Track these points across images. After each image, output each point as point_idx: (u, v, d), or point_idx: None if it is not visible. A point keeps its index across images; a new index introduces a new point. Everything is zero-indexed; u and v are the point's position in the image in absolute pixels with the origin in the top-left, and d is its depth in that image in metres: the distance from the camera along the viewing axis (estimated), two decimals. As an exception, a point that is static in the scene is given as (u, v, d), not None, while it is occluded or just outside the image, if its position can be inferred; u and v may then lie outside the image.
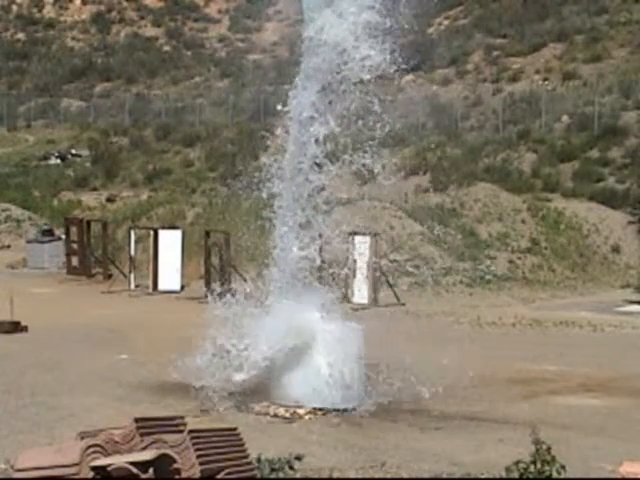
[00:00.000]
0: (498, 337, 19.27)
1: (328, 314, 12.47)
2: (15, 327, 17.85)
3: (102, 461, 6.44)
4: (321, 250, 13.22)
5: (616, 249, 31.57)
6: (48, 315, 19.86)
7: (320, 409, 11.99)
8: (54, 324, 18.71)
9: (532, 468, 7.20)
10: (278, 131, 13.54)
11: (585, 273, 30.12)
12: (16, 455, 7.23)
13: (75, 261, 29.31)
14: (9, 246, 35.57)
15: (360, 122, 12.87)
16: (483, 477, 8.77)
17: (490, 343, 18.12)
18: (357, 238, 23.74)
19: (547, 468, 7.19)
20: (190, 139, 49.76)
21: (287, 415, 11.87)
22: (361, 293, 23.93)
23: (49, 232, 33.17)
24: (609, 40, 57.01)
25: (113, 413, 10.86)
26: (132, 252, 26.25)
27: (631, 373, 15.28)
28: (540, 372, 15.27)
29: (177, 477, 6.40)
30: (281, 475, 7.45)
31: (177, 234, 26.12)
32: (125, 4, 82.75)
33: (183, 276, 25.85)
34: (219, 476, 6.53)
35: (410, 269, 26.64)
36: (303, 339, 12.16)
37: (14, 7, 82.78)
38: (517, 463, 7.28)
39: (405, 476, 9.06)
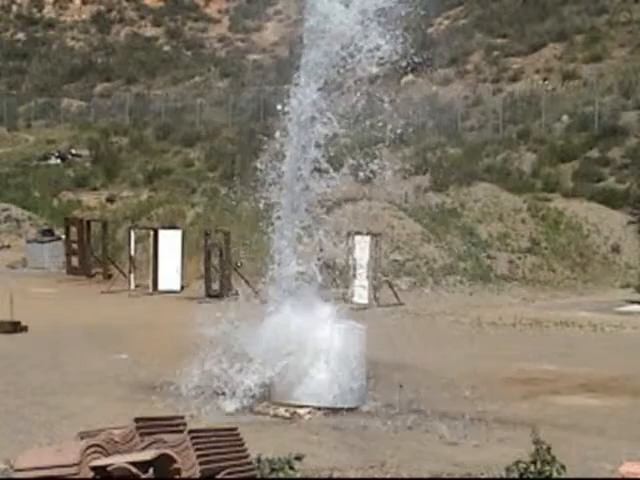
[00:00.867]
0: (498, 337, 19.25)
1: (328, 314, 12.42)
2: (15, 327, 17.82)
3: (102, 461, 6.43)
4: (319, 260, 12.56)
5: (616, 249, 31.55)
6: (48, 315, 19.83)
7: (320, 409, 11.99)
8: (54, 324, 18.68)
9: (532, 468, 7.19)
10: (277, 134, 12.57)
11: (585, 273, 30.11)
12: (16, 455, 7.22)
13: (75, 261, 29.31)
14: (9, 246, 35.56)
15: (364, 122, 12.40)
16: (483, 477, 8.76)
17: (490, 343, 18.11)
18: (357, 238, 23.75)
19: (547, 468, 7.17)
20: (190, 139, 49.77)
21: (287, 415, 11.86)
22: (361, 293, 23.92)
23: (49, 232, 33.19)
24: (609, 40, 56.95)
25: (113, 413, 10.83)
26: (132, 252, 26.23)
27: (631, 373, 15.26)
28: (540, 372, 15.25)
29: (177, 477, 6.39)
30: (281, 475, 7.43)
31: (177, 234, 26.11)
32: (125, 4, 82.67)
33: (183, 276, 25.84)
34: (219, 476, 6.52)
35: (410, 269, 26.66)
36: (302, 344, 12.01)
37: (14, 7, 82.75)
38: (517, 463, 7.26)
39: (405, 476, 9.05)
